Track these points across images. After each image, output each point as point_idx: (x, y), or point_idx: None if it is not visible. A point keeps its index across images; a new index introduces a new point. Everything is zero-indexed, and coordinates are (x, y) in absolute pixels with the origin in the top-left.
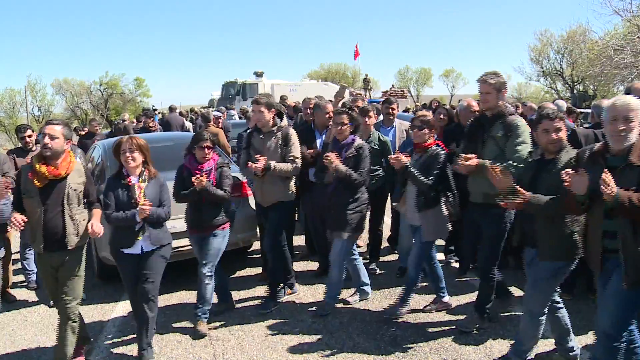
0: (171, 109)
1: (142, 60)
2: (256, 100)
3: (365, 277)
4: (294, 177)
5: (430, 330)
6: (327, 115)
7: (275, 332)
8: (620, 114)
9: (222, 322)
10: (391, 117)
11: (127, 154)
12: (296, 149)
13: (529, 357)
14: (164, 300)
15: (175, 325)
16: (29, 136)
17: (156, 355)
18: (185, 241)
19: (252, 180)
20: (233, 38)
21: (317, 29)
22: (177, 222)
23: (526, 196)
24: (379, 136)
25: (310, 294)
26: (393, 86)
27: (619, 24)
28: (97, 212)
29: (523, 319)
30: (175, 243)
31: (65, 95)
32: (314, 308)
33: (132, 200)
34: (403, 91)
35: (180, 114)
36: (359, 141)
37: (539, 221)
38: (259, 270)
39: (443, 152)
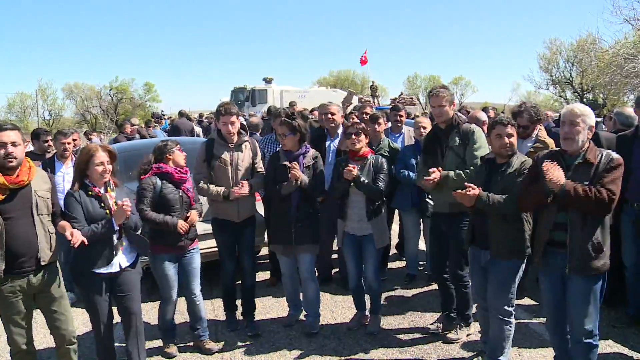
0: (181, 114)
1: (152, 65)
2: (229, 110)
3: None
4: None
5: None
6: (329, 117)
7: (282, 339)
8: (567, 119)
9: (230, 328)
10: (399, 124)
11: (105, 166)
12: (261, 162)
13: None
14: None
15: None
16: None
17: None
18: (208, 243)
19: (225, 196)
20: (243, 44)
21: (327, 37)
22: (199, 225)
23: (476, 191)
24: (389, 143)
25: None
26: (402, 93)
27: (629, 33)
28: (66, 224)
29: (492, 323)
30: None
31: (75, 99)
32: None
33: (107, 210)
34: (412, 99)
35: (189, 119)
36: (313, 151)
37: (492, 221)
38: (267, 275)
39: (384, 159)
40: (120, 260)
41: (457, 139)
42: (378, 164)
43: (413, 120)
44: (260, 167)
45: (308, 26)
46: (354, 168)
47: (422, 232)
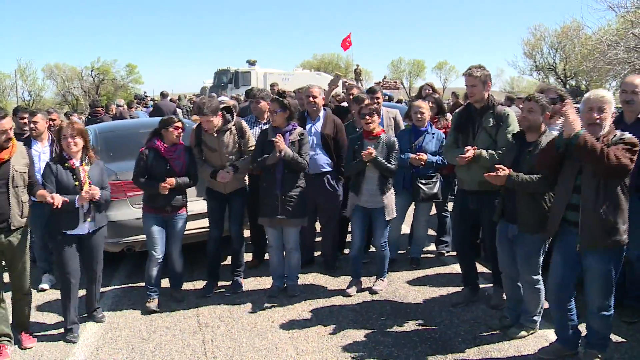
0: (163, 95)
1: (134, 47)
2: (201, 111)
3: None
4: None
5: (418, 320)
6: (310, 99)
7: (264, 319)
8: (595, 104)
9: (211, 309)
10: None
11: (69, 139)
12: (252, 139)
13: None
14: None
15: (164, 311)
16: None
17: (144, 341)
18: (201, 223)
19: (212, 176)
20: (226, 27)
21: (311, 19)
22: (194, 205)
23: (506, 172)
24: None
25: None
26: (385, 77)
27: (612, 20)
28: (45, 192)
29: (524, 291)
30: (192, 225)
31: (56, 80)
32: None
33: (77, 183)
34: (395, 82)
35: (172, 100)
36: (300, 129)
37: (520, 198)
38: (249, 257)
39: (394, 138)
40: (89, 225)
41: (491, 119)
42: (391, 143)
43: (397, 104)
44: (250, 146)
45: (292, 9)
46: (372, 150)
47: (412, 217)
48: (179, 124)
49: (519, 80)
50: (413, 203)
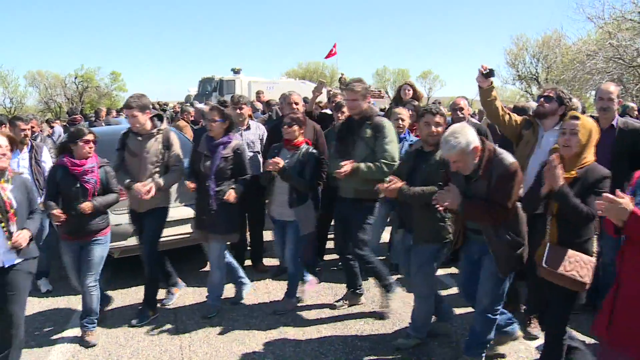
0: None
1: (119, 54)
2: (127, 104)
3: (240, 272)
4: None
5: (396, 325)
6: (291, 106)
7: (242, 324)
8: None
9: (189, 315)
10: None
11: (3, 151)
12: (178, 152)
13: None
14: (132, 293)
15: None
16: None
17: (121, 347)
18: (182, 229)
19: (128, 187)
20: (211, 35)
21: (296, 28)
22: (175, 211)
23: (398, 184)
24: None
25: (279, 288)
26: (370, 86)
27: (592, 30)
28: None
29: (415, 300)
30: (172, 231)
31: (38, 87)
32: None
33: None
34: (380, 91)
35: (154, 108)
36: (236, 142)
37: (414, 207)
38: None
39: (315, 151)
40: (5, 257)
41: (368, 130)
42: (307, 156)
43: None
44: (174, 161)
45: (277, 17)
46: (279, 160)
47: (392, 225)
48: (91, 137)
49: (503, 90)
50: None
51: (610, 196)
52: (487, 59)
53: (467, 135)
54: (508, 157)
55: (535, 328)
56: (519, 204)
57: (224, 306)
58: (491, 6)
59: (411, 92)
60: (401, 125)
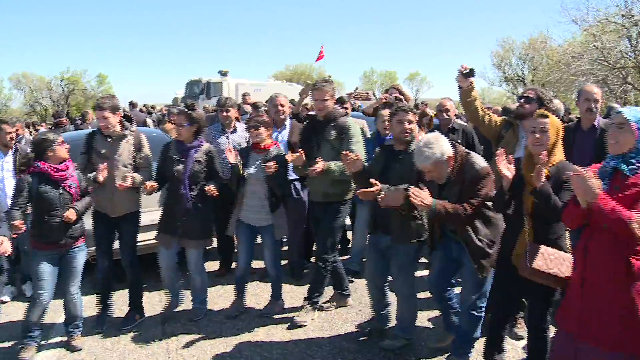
0: (132, 105)
1: (105, 57)
2: (99, 105)
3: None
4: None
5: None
6: (278, 108)
7: (229, 327)
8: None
9: (176, 317)
10: None
11: None
12: (148, 153)
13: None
14: (118, 295)
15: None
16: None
17: (108, 351)
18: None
19: (94, 180)
20: (199, 37)
21: (284, 30)
22: (153, 215)
23: (377, 187)
24: None
25: (267, 290)
26: (357, 88)
27: (577, 33)
28: None
29: (398, 302)
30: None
31: (23, 90)
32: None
33: None
34: (367, 93)
35: (141, 111)
36: (207, 145)
37: (392, 210)
38: (216, 266)
39: (285, 153)
40: None
41: (333, 132)
42: (278, 158)
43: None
44: (144, 163)
45: (265, 20)
46: (274, 165)
47: None
48: (62, 138)
49: (490, 92)
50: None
51: (582, 171)
52: (474, 60)
53: (441, 145)
54: (479, 162)
55: (521, 328)
56: (490, 204)
57: (211, 309)
58: (478, 8)
59: (398, 94)
60: (387, 127)
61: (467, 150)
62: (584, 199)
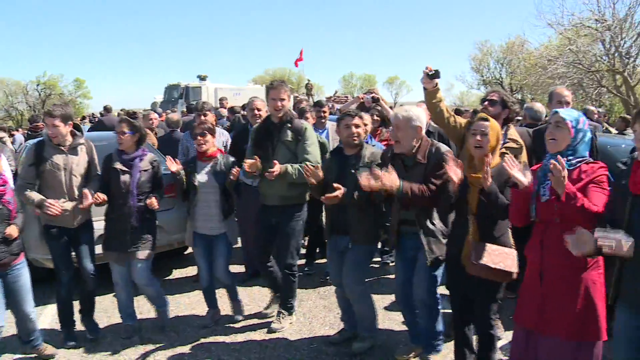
0: (107, 110)
1: (82, 61)
2: (50, 113)
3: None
4: None
5: None
6: (255, 112)
7: (208, 332)
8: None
9: (154, 323)
10: (323, 120)
11: None
12: (97, 163)
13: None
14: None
15: (106, 326)
16: None
17: (84, 357)
18: None
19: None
20: (178, 42)
21: (263, 35)
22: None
23: (341, 191)
24: (317, 137)
25: (245, 294)
26: (337, 92)
27: (552, 36)
28: None
29: (353, 302)
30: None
31: None
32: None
33: None
34: (347, 97)
35: (119, 115)
36: (151, 155)
37: (350, 211)
38: (194, 270)
39: (233, 159)
40: None
41: (289, 133)
42: (228, 163)
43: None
44: (94, 172)
45: (243, 24)
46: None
47: None
48: None
49: (468, 95)
50: None
51: (558, 165)
52: (452, 64)
53: (419, 114)
54: (444, 147)
55: (499, 329)
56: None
57: (189, 315)
58: (457, 12)
59: (375, 95)
60: (364, 130)
61: (434, 140)
62: (558, 187)
